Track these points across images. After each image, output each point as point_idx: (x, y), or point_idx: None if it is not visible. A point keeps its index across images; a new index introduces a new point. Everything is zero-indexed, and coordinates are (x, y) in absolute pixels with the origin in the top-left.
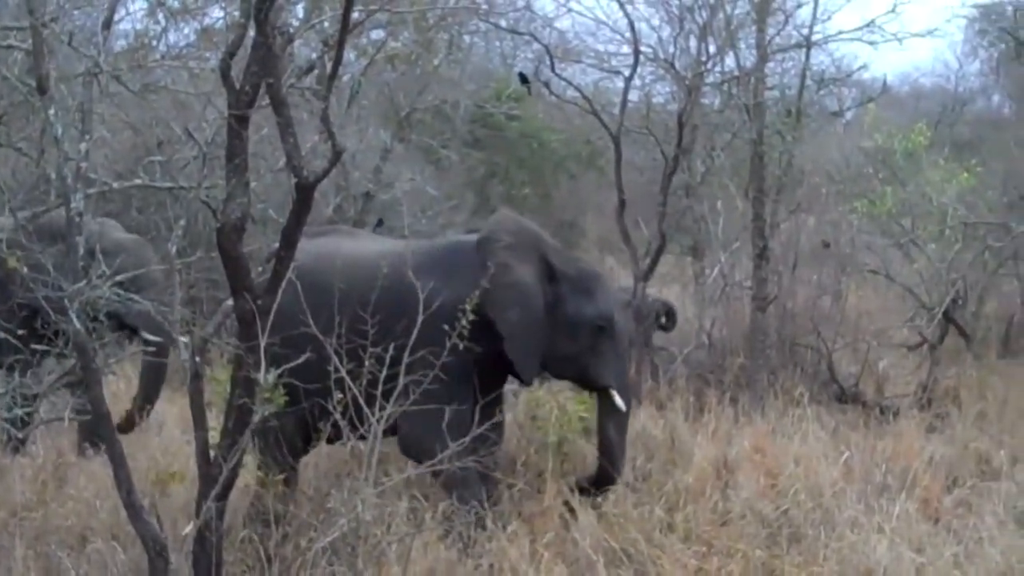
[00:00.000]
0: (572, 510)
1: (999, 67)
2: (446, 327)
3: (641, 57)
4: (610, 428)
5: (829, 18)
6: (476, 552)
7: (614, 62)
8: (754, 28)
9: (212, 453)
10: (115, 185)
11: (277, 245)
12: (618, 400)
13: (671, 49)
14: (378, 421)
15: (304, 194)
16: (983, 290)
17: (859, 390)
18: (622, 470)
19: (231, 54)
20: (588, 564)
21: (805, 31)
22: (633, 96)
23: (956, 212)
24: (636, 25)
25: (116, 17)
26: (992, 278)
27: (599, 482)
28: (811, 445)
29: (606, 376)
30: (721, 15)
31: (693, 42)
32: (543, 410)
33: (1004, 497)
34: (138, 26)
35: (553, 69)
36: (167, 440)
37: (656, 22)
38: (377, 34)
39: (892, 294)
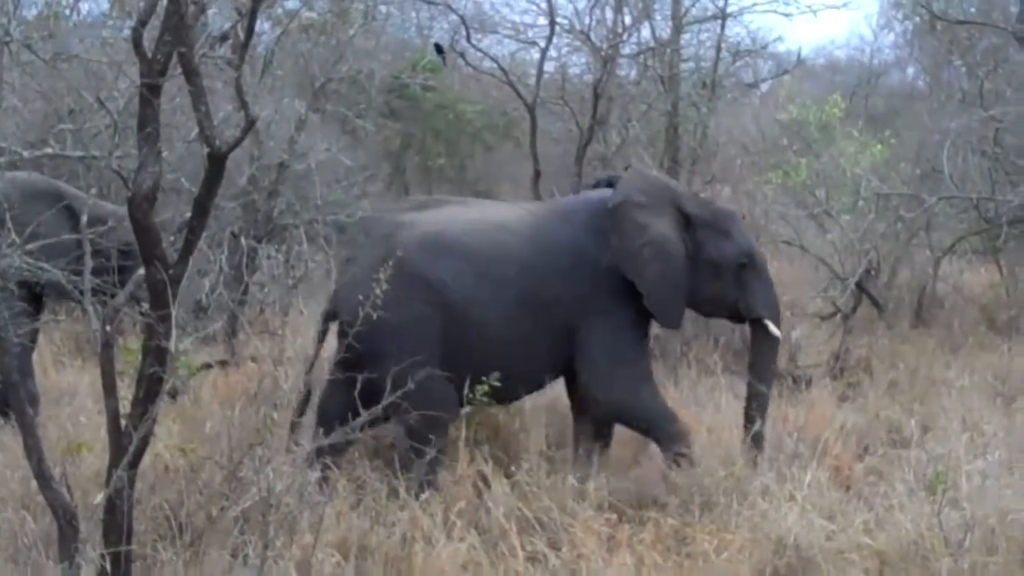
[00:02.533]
0: (485, 479)
1: (913, 40)
2: (611, 287)
3: (557, 28)
4: (765, 355)
5: None
6: (389, 521)
7: (530, 33)
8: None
9: (123, 422)
10: (25, 154)
11: (189, 214)
12: (773, 328)
13: (587, 20)
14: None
15: (216, 164)
16: (896, 261)
17: None
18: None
19: (143, 23)
20: (501, 532)
21: (720, 3)
22: (549, 67)
23: (870, 184)
24: None
25: None
26: (905, 249)
27: (755, 404)
28: (724, 414)
29: (758, 308)
30: None
31: (609, 13)
32: None
33: (914, 465)
34: None
35: (469, 40)
36: (78, 409)
37: None
38: (292, 3)
39: (806, 265)
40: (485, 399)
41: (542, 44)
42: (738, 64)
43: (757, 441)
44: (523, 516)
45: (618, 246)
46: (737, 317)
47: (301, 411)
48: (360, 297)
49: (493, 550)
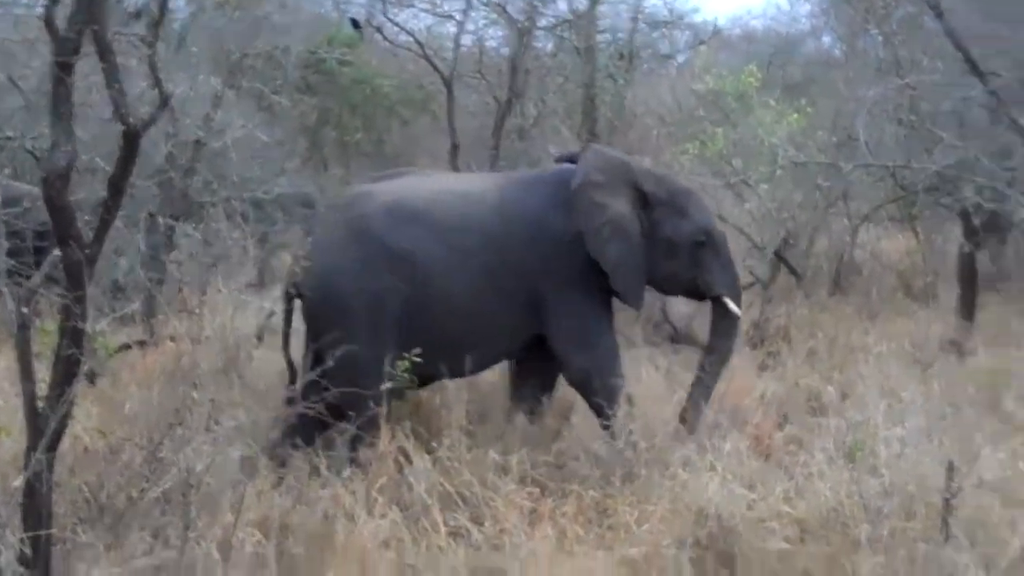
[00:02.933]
0: (407, 455)
1: (829, 8)
2: (576, 259)
3: (473, 1)
4: (723, 332)
5: None
6: (310, 498)
7: (446, 7)
8: None
9: (41, 405)
10: None
11: (105, 194)
12: (732, 306)
13: None
14: None
15: (131, 142)
16: (813, 229)
17: (692, 331)
18: (721, 373)
19: (55, 1)
20: (423, 508)
21: None
22: (466, 40)
23: (786, 153)
24: None
25: None
26: (822, 217)
27: (702, 381)
28: (645, 386)
29: (716, 285)
30: None
31: None
32: None
33: (833, 433)
34: None
35: (385, 14)
36: None
37: None
38: None
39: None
40: (407, 375)
41: (459, 17)
42: (655, 35)
43: (695, 413)
44: (445, 491)
45: (583, 226)
46: (696, 295)
47: (291, 381)
48: (318, 268)
49: (415, 526)
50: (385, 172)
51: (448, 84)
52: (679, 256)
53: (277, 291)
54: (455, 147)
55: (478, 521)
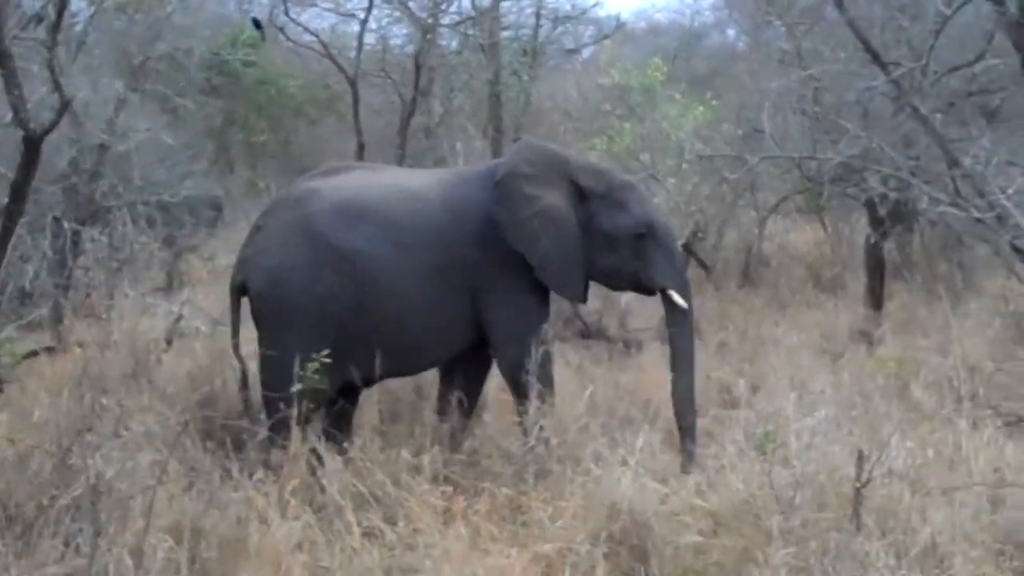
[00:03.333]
0: (319, 456)
1: (733, 1)
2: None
3: None
4: (677, 326)
5: None
6: (222, 502)
7: (349, 5)
8: None
9: None
10: None
11: (6, 200)
12: (677, 298)
13: None
14: None
15: (32, 147)
16: (722, 222)
17: (602, 325)
18: (693, 373)
19: None
20: (336, 509)
21: None
22: (370, 39)
23: (693, 146)
24: None
25: None
26: (730, 210)
27: (679, 380)
28: (557, 382)
29: (659, 278)
30: None
31: None
32: None
33: (744, 425)
34: None
35: (287, 14)
36: None
37: None
38: None
39: None
40: (317, 377)
41: (361, 16)
42: (559, 30)
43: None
44: (358, 492)
45: (506, 218)
46: (642, 288)
47: (244, 385)
48: (271, 266)
49: (329, 527)
50: (333, 166)
51: (353, 83)
52: (619, 250)
53: (185, 294)
54: (361, 146)
55: (392, 521)
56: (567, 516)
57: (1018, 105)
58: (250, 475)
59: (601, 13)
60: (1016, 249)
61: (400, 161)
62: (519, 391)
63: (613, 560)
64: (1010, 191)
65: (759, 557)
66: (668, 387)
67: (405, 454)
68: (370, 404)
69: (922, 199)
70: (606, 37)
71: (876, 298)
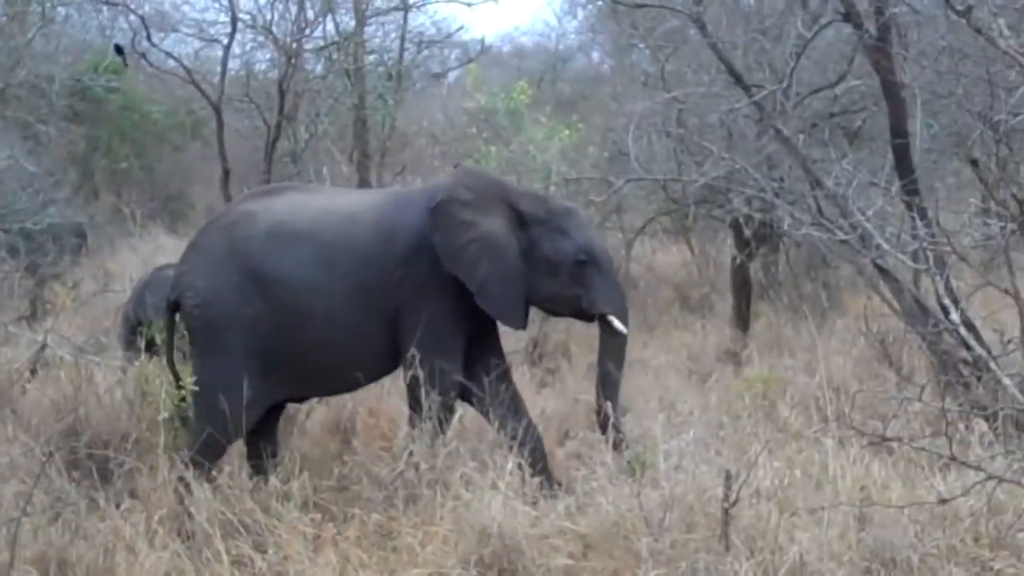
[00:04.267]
0: (187, 485)
1: (597, 24)
2: (439, 279)
3: (239, 24)
4: (612, 352)
5: None
6: (89, 532)
7: (212, 31)
8: None
9: None
10: None
11: None
12: (617, 324)
13: (269, 15)
14: None
15: None
16: None
17: None
18: (617, 398)
19: None
20: (205, 538)
21: None
22: (234, 64)
23: (559, 169)
24: None
25: None
26: (596, 232)
27: (605, 405)
28: (425, 407)
29: (600, 303)
30: None
31: (292, 7)
32: (153, 385)
33: (612, 448)
34: None
35: (150, 39)
36: None
37: None
38: None
39: None
40: (181, 405)
41: (225, 41)
42: (424, 54)
43: (616, 444)
44: (227, 520)
45: (441, 244)
46: (582, 315)
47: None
48: (200, 286)
49: (198, 556)
50: (270, 187)
51: (217, 109)
52: (560, 276)
53: (49, 323)
54: (227, 172)
55: (261, 549)
56: (437, 541)
57: (879, 126)
58: (117, 505)
59: (466, 36)
60: (879, 269)
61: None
62: (416, 407)
63: None
64: (870, 212)
65: None
66: (537, 410)
67: (274, 481)
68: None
69: (786, 220)
70: (471, 60)
71: (743, 318)
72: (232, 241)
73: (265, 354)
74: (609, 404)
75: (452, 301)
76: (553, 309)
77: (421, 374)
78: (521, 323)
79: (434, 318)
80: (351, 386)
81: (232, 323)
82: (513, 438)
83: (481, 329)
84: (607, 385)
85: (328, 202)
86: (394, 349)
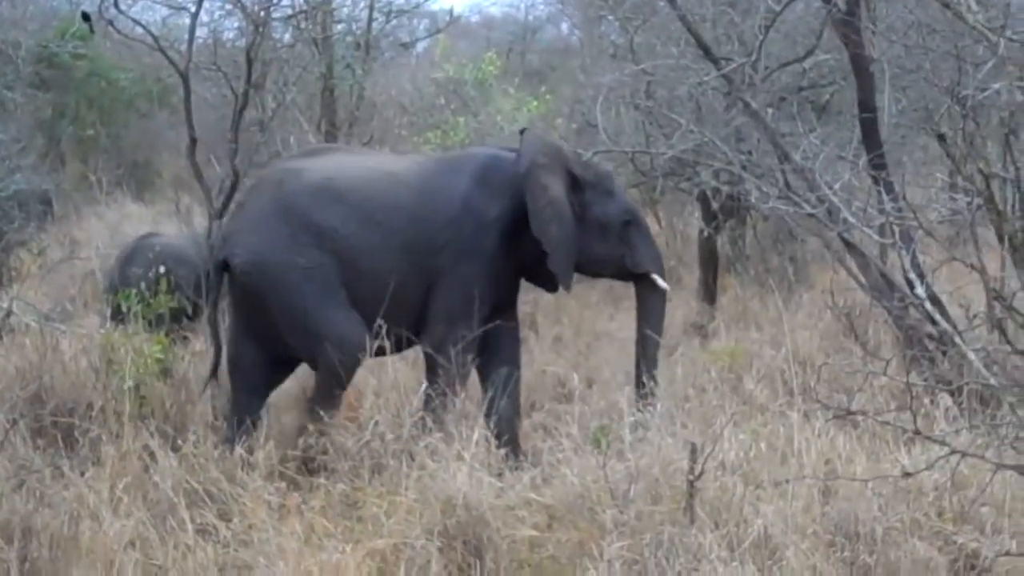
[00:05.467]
0: (152, 453)
1: None
2: (491, 240)
3: None
4: (656, 308)
5: None
6: (54, 500)
7: None
8: None
9: None
10: None
11: None
12: (661, 282)
13: None
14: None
15: None
16: None
17: None
18: (655, 358)
19: None
20: (170, 506)
21: None
22: (202, 32)
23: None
24: None
25: None
26: None
27: (645, 361)
28: (390, 376)
29: (644, 263)
30: None
31: None
32: (118, 354)
33: (579, 419)
34: None
35: (117, 6)
36: None
37: None
38: None
39: None
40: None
41: (192, 8)
42: (392, 24)
43: (645, 395)
44: (191, 488)
45: (529, 207)
46: (623, 275)
47: (214, 368)
48: (252, 241)
49: (162, 524)
50: (314, 147)
51: (184, 76)
52: (608, 237)
53: (15, 289)
54: (193, 140)
55: (226, 518)
56: (402, 511)
57: (847, 100)
58: (82, 473)
59: (435, 7)
60: (845, 243)
61: (233, 156)
62: (432, 373)
63: (448, 555)
64: (837, 186)
65: (594, 550)
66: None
67: (239, 449)
68: (203, 400)
69: (753, 193)
70: (440, 31)
71: (710, 292)
72: (280, 195)
73: (341, 301)
74: (647, 372)
75: (490, 268)
76: (598, 271)
77: (443, 337)
78: (571, 285)
79: (468, 284)
80: (398, 346)
81: (289, 273)
82: (489, 410)
83: (510, 297)
84: (648, 350)
85: (372, 162)
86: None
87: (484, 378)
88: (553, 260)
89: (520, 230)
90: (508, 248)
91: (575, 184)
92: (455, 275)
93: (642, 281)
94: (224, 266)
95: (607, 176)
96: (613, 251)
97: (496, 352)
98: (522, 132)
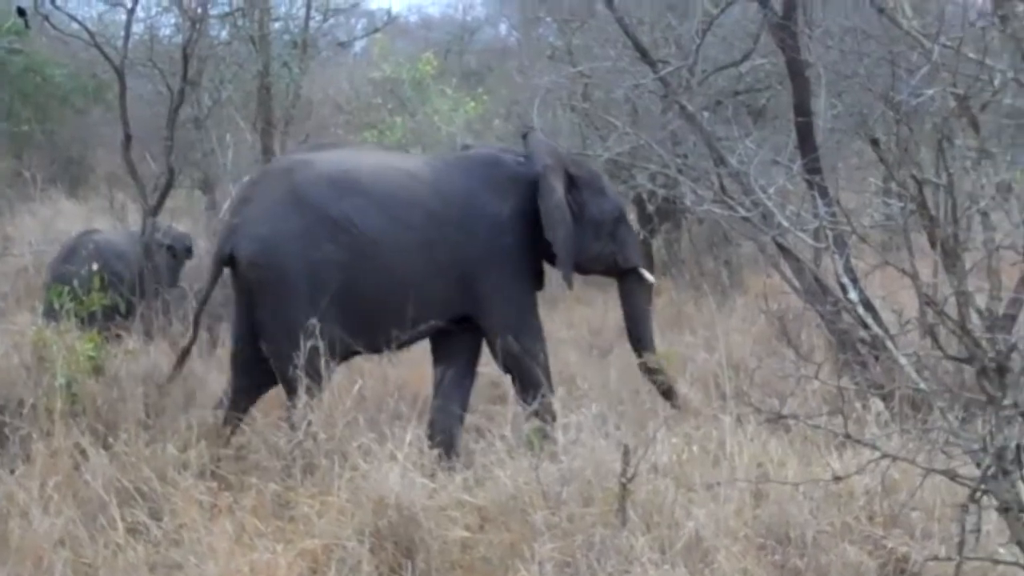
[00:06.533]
0: (83, 451)
1: None
2: (511, 240)
3: None
4: (643, 305)
5: None
6: None
7: None
8: None
9: None
10: None
11: None
12: (648, 275)
13: None
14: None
15: None
16: None
17: None
18: (652, 342)
19: None
20: (100, 504)
21: None
22: (138, 28)
23: (464, 141)
24: None
25: None
26: None
27: (645, 356)
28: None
29: (633, 258)
30: None
31: None
32: (50, 351)
33: (512, 421)
34: None
35: (53, 2)
36: None
37: None
38: None
39: None
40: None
41: (129, 4)
42: (330, 22)
43: (669, 394)
44: (123, 487)
45: (542, 210)
46: (613, 271)
47: (183, 355)
48: (263, 233)
49: (92, 523)
50: (318, 142)
51: (120, 73)
52: (602, 235)
53: None
54: (128, 137)
55: (157, 516)
56: (334, 511)
57: (783, 104)
58: (11, 470)
59: (373, 6)
60: (779, 247)
61: (168, 153)
62: (521, 379)
63: (380, 555)
64: (772, 190)
65: (525, 552)
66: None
67: (171, 448)
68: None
69: (688, 196)
70: (378, 30)
71: None
72: (292, 186)
73: (330, 300)
74: (650, 355)
75: (519, 265)
76: (591, 268)
77: (508, 344)
78: (572, 283)
79: (508, 284)
80: (404, 341)
81: (302, 265)
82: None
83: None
84: (644, 339)
85: (383, 158)
86: (450, 308)
87: (438, 380)
88: (560, 260)
89: (531, 230)
90: (526, 245)
91: (572, 184)
92: (494, 279)
93: (629, 276)
94: (227, 260)
95: (599, 175)
96: (605, 248)
97: (452, 355)
98: (524, 135)
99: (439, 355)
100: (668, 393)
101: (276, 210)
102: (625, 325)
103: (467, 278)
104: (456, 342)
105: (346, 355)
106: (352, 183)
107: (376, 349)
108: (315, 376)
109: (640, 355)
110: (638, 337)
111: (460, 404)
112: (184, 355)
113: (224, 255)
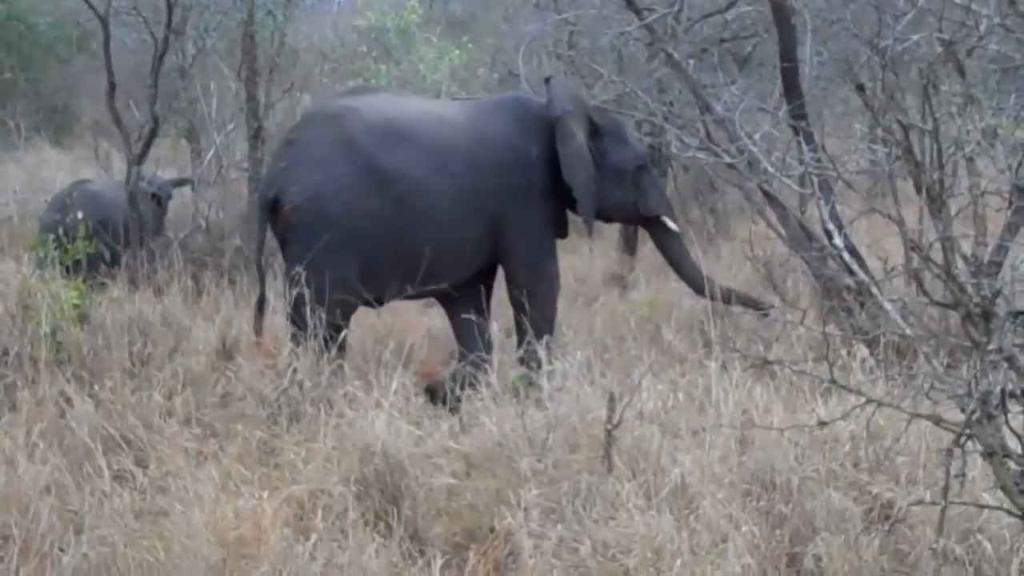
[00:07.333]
0: (68, 399)
1: None
2: (538, 182)
3: None
4: (677, 251)
5: None
6: None
7: None
8: None
9: None
10: None
11: None
12: (672, 224)
13: None
14: None
15: None
16: None
17: None
18: (701, 278)
19: None
20: (86, 452)
21: None
22: None
23: (449, 89)
24: None
25: None
26: None
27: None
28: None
29: (655, 206)
30: None
31: None
32: (35, 299)
33: (497, 369)
34: None
35: None
36: None
37: None
38: None
39: None
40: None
41: None
42: None
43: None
44: (108, 435)
45: (561, 154)
46: (635, 219)
47: (260, 304)
48: (312, 180)
49: (78, 471)
50: (359, 87)
51: (104, 21)
52: (624, 183)
53: None
54: (112, 86)
55: (143, 464)
56: (320, 459)
57: (769, 52)
58: None
59: None
60: (765, 194)
61: (152, 102)
62: (531, 320)
63: (366, 502)
64: (757, 136)
65: (511, 498)
66: (422, 330)
67: (157, 396)
68: (120, 346)
69: (674, 143)
70: None
71: (630, 242)
72: (341, 133)
73: (374, 248)
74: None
75: (545, 206)
76: (612, 216)
77: (531, 280)
78: (593, 230)
79: (533, 225)
80: (445, 288)
81: (344, 216)
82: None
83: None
84: (693, 281)
85: (423, 104)
86: (483, 255)
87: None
88: (581, 206)
89: (555, 175)
90: (550, 189)
91: (595, 131)
92: (520, 220)
93: (654, 224)
94: (272, 204)
95: (622, 124)
96: (627, 196)
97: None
98: (547, 80)
99: (452, 307)
100: (750, 303)
101: (327, 157)
102: (675, 273)
103: (497, 221)
104: (471, 288)
105: (356, 307)
106: (399, 132)
107: (414, 295)
108: (301, 324)
109: (700, 295)
110: (688, 280)
111: (483, 350)
112: (261, 304)
113: (268, 200)
